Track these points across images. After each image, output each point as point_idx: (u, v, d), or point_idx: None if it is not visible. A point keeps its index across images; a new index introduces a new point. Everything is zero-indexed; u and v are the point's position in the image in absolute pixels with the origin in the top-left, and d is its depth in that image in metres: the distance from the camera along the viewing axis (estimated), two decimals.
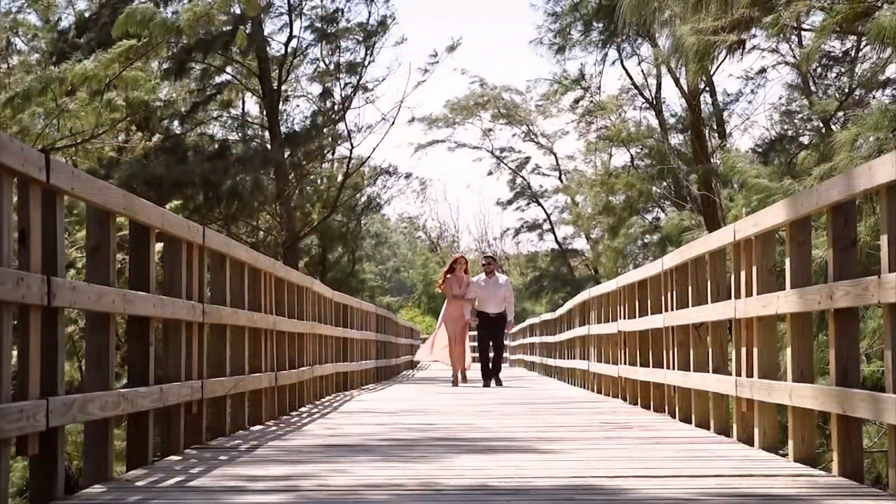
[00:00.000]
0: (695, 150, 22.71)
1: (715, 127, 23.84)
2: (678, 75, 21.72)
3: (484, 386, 14.84)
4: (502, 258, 41.38)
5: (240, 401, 7.58)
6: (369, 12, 23.52)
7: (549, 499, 4.28)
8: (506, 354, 32.60)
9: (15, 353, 4.12)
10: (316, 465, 5.44)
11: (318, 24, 23.53)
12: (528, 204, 37.30)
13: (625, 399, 10.76)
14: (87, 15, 19.57)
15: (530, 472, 5.06)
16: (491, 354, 15.41)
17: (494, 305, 15.37)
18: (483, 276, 15.60)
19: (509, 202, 37.37)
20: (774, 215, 5.70)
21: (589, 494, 4.38)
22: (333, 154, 26.03)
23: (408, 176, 29.51)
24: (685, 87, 22.71)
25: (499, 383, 15.13)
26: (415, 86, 40.06)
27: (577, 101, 30.40)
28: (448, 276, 15.50)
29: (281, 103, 23.33)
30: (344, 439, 6.92)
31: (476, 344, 16.95)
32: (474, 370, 16.46)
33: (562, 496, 4.34)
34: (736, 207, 12.09)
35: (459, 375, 15.64)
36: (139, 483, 4.83)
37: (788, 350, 5.53)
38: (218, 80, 22.50)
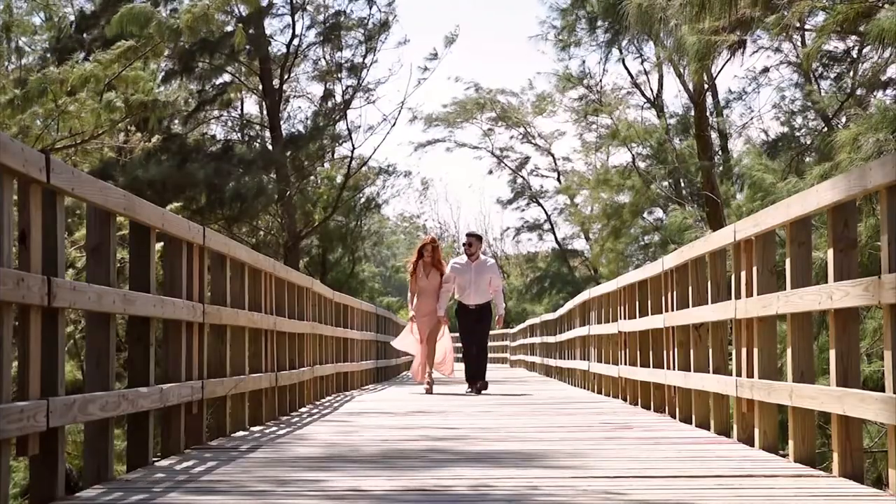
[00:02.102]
0: (698, 148, 22.73)
1: (716, 126, 23.86)
2: (682, 72, 21.73)
3: (469, 392, 12.47)
4: (502, 258, 41.23)
5: (240, 401, 7.59)
6: (370, 13, 23.57)
7: (550, 499, 4.28)
8: (506, 355, 32.65)
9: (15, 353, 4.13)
10: (315, 465, 5.44)
11: (321, 25, 23.57)
12: (527, 204, 37.40)
13: (625, 399, 10.75)
14: (87, 12, 19.59)
15: (531, 473, 5.05)
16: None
17: (477, 294, 12.51)
18: (463, 257, 12.63)
19: (509, 202, 37.44)
20: (774, 215, 5.70)
21: (589, 494, 4.38)
22: (334, 155, 26.08)
23: (407, 174, 29.54)
24: (689, 86, 22.74)
25: (483, 385, 12.62)
26: (416, 84, 40.19)
27: (580, 98, 30.42)
28: (417, 264, 12.62)
29: (282, 103, 23.37)
30: (343, 438, 6.92)
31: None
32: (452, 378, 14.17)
33: (562, 497, 4.34)
34: (748, 202, 12.07)
35: (427, 379, 12.78)
36: (139, 483, 4.82)
37: (789, 350, 5.53)
38: (220, 80, 22.55)
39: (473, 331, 12.62)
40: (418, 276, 12.53)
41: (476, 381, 12.59)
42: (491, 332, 13.54)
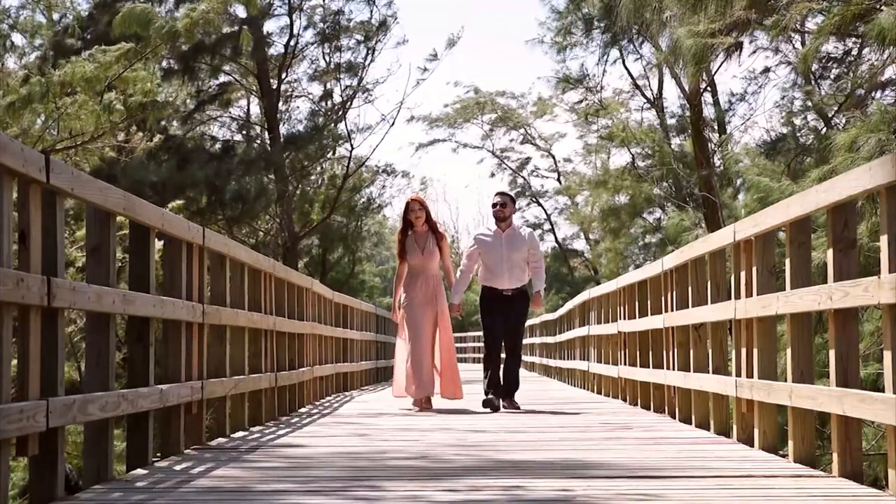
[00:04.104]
0: (695, 150, 22.73)
1: (716, 127, 23.86)
2: (679, 74, 21.73)
3: (488, 407, 9.41)
4: None
5: (240, 401, 7.59)
6: (371, 13, 23.58)
7: (549, 500, 4.28)
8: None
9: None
10: (316, 460, 5.44)
11: (320, 25, 23.57)
12: (528, 204, 37.46)
13: (625, 400, 10.76)
14: (85, 14, 19.61)
15: (531, 473, 5.06)
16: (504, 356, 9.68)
17: (512, 276, 9.43)
18: (492, 227, 9.58)
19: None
20: (774, 215, 5.70)
21: (589, 494, 4.38)
22: (334, 154, 26.08)
23: (406, 174, 29.46)
24: (686, 88, 22.73)
25: (513, 404, 9.56)
26: (415, 84, 40.12)
27: (580, 101, 30.44)
28: (406, 235, 9.69)
29: (281, 103, 23.36)
30: (342, 440, 6.92)
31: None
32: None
33: (561, 498, 4.34)
34: (748, 204, 12.06)
35: (422, 399, 9.62)
36: (139, 483, 4.83)
37: (788, 351, 5.53)
38: (219, 80, 22.54)
39: (505, 325, 9.48)
40: (409, 252, 9.61)
41: (501, 396, 9.53)
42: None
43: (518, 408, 9.57)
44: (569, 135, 55.69)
